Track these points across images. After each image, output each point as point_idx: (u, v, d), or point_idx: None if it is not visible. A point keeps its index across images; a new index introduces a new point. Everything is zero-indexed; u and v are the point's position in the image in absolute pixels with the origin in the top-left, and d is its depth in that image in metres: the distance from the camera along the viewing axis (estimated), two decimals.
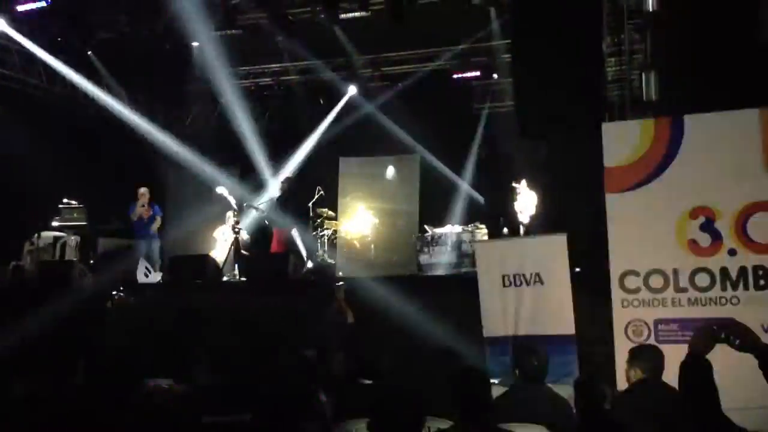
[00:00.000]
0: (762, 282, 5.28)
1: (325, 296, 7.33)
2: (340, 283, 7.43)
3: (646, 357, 4.03)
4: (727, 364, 3.12)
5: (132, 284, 9.32)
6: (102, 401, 4.19)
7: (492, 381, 3.66)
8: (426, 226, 10.46)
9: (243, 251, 10.38)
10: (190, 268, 9.49)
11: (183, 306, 8.21)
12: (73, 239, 10.54)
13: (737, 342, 2.88)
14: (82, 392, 4.47)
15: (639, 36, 8.99)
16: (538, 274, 6.16)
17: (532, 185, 10.15)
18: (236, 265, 10.66)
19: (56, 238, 10.59)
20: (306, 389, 4.10)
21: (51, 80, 12.06)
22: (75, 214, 10.84)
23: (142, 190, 10.80)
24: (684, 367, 3.01)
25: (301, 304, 7.85)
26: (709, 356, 3.03)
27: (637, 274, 5.63)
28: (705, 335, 3.00)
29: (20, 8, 10.69)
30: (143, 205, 10.67)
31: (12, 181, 10.85)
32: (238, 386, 4.58)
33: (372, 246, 11.65)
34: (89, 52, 11.74)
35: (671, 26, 7.91)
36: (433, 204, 11.53)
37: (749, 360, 2.90)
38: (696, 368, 2.98)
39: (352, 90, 13.43)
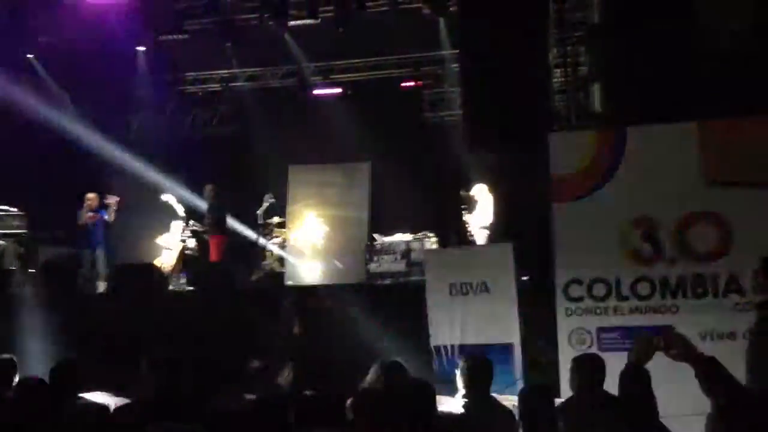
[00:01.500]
0: (700, 290, 5.44)
1: (274, 306, 7.24)
2: (289, 293, 7.36)
3: (588, 366, 4.08)
4: (665, 372, 3.18)
5: (73, 294, 9.08)
6: (34, 416, 4.06)
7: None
8: (375, 235, 10.45)
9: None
10: (136, 277, 9.27)
11: (128, 316, 8.03)
12: (12, 247, 10.20)
13: (674, 352, 2.94)
14: (13, 406, 4.31)
15: (584, 48, 9.16)
16: (484, 283, 6.22)
17: (477, 194, 10.21)
18: (182, 274, 10.51)
19: None
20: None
21: None
22: (15, 222, 10.49)
23: (90, 195, 10.53)
24: (624, 375, 3.06)
25: (250, 314, 7.74)
26: (648, 365, 3.09)
27: (580, 282, 5.73)
28: (644, 345, 3.06)
29: None
30: (91, 212, 10.40)
31: None
32: (181, 398, 4.47)
33: (322, 254, 11.58)
34: (29, 56, 11.41)
35: (613, 38, 8.08)
36: (384, 212, 11.52)
37: (686, 369, 2.96)
38: (635, 377, 3.03)
39: (300, 97, 13.35)
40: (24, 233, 10.49)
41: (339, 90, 13.14)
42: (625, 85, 7.75)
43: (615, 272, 5.64)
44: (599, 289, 5.63)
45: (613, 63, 7.90)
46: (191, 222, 10.94)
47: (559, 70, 9.69)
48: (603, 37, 8.31)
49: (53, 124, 11.78)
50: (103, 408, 3.95)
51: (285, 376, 4.42)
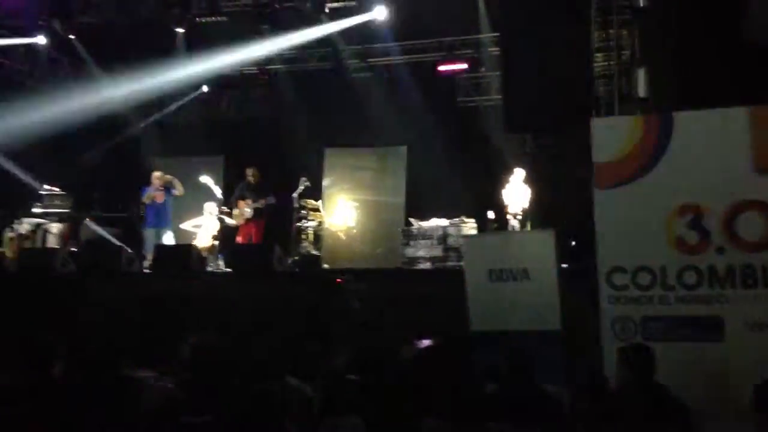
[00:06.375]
0: (750, 281, 5.30)
1: (328, 288, 7.21)
2: (347, 275, 7.34)
3: (637, 356, 4.01)
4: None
5: (114, 273, 9.21)
6: (82, 394, 4.11)
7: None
8: (411, 219, 10.43)
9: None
10: (175, 257, 9.39)
11: (169, 296, 8.13)
12: (55, 226, 10.38)
13: None
14: (60, 385, 4.37)
15: (627, 32, 8.98)
16: (525, 270, 6.16)
17: (517, 179, 10.15)
18: (220, 255, 10.60)
19: (38, 225, 10.43)
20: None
21: (33, 65, 11.87)
22: (58, 201, 10.67)
23: (157, 173, 10.68)
24: None
25: (306, 296, 7.74)
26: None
27: (624, 270, 5.62)
28: None
29: None
30: (157, 190, 10.54)
31: None
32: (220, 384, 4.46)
33: (357, 238, 11.61)
34: (71, 37, 11.52)
35: (660, 22, 7.90)
36: (420, 197, 11.49)
37: None
38: None
39: (337, 80, 13.31)
40: (67, 212, 10.67)
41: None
42: (670, 70, 7.58)
43: (660, 260, 5.52)
44: (644, 278, 5.52)
45: (659, 47, 7.73)
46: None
47: (601, 55, 9.52)
48: (648, 20, 8.13)
49: (94, 104, 11.95)
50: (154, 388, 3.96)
51: (342, 360, 4.42)
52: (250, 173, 11.04)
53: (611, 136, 6.01)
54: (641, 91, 7.92)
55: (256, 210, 10.79)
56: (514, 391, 3.90)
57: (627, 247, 5.69)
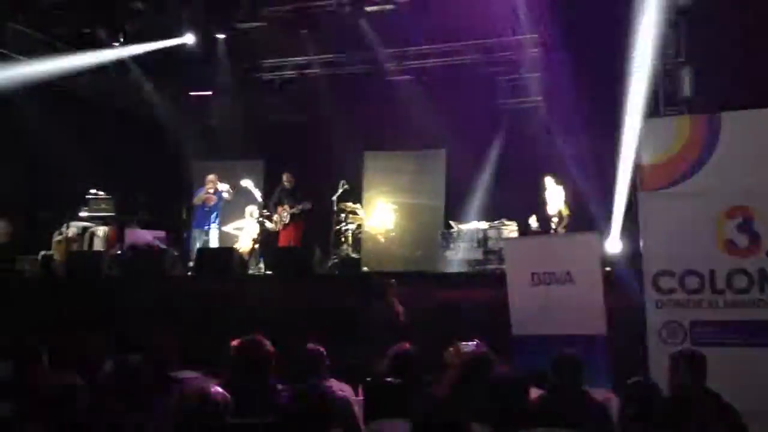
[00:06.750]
0: None
1: (372, 293, 7.20)
2: (392, 280, 7.30)
3: (689, 361, 3.94)
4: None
5: (158, 275, 9.35)
6: (131, 396, 4.16)
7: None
8: (451, 222, 10.39)
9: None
10: (217, 260, 9.50)
11: (211, 298, 8.22)
12: (101, 230, 10.59)
13: None
14: (109, 386, 4.45)
15: (671, 31, 8.82)
16: (568, 273, 6.07)
17: (559, 181, 10.07)
18: (261, 258, 10.70)
19: (85, 229, 10.65)
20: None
21: (78, 71, 12.09)
22: (103, 205, 10.88)
23: (210, 176, 10.87)
24: None
25: (346, 298, 7.75)
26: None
27: (672, 274, 5.54)
28: None
29: None
30: (209, 193, 10.73)
31: (41, 172, 10.92)
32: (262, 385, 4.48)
33: (396, 241, 11.61)
34: (116, 44, 11.72)
35: (706, 20, 7.77)
36: (459, 199, 11.44)
37: None
38: None
39: (375, 83, 13.32)
40: (112, 216, 10.87)
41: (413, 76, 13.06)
42: (717, 69, 7.45)
43: (709, 264, 5.43)
44: (692, 282, 5.43)
45: (705, 47, 7.59)
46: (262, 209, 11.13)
47: None
48: (693, 20, 7.99)
49: (138, 111, 12.16)
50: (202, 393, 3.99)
51: (383, 363, 4.41)
52: (285, 178, 11.15)
53: (657, 137, 5.94)
54: (686, 90, 7.79)
55: (292, 215, 10.87)
56: (561, 397, 3.85)
57: (674, 251, 5.61)
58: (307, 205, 10.79)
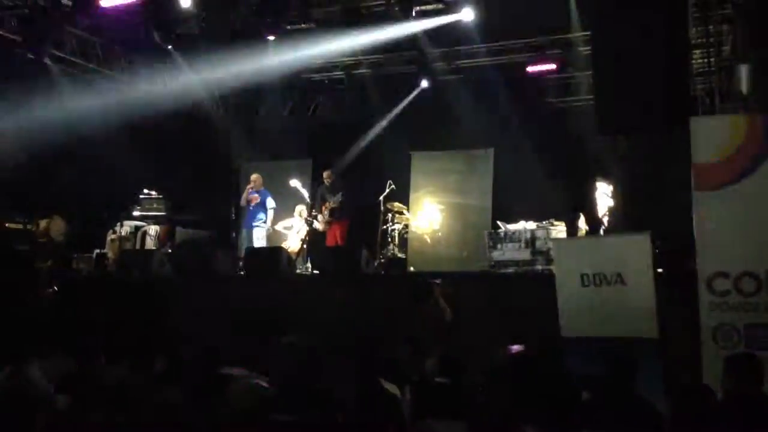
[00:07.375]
0: None
1: (418, 293, 7.18)
2: (438, 280, 7.28)
3: (744, 365, 3.82)
4: None
5: (207, 274, 9.50)
6: (183, 391, 4.24)
7: None
8: (499, 222, 10.29)
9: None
10: (266, 260, 9.59)
11: (259, 297, 8.31)
12: (152, 229, 10.83)
13: None
14: (162, 381, 4.54)
15: (728, 27, 8.59)
16: (619, 274, 5.94)
17: (608, 182, 9.90)
18: (308, 258, 10.78)
19: (137, 228, 10.90)
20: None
21: (133, 73, 12.38)
22: (155, 204, 11.13)
23: (254, 176, 11.08)
24: None
25: (393, 299, 7.76)
26: None
27: (726, 276, 5.39)
28: None
29: (104, 3, 10.92)
30: (253, 192, 10.93)
31: (96, 172, 11.21)
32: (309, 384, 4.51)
33: (442, 241, 11.57)
34: (170, 47, 11.94)
35: (764, 15, 7.52)
36: (508, 199, 11.34)
37: None
38: None
39: (424, 84, 13.31)
40: (164, 215, 11.11)
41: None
42: None
43: (765, 266, 5.27)
44: (748, 284, 5.27)
45: (763, 42, 7.36)
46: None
47: (699, 51, 9.13)
48: (751, 14, 7.76)
49: (188, 112, 12.37)
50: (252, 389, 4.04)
51: (432, 363, 4.40)
52: (326, 176, 11.21)
53: (712, 135, 5.78)
54: (744, 87, 7.56)
55: (331, 210, 10.91)
56: (612, 399, 3.78)
57: (729, 252, 5.46)
58: (339, 197, 10.79)
